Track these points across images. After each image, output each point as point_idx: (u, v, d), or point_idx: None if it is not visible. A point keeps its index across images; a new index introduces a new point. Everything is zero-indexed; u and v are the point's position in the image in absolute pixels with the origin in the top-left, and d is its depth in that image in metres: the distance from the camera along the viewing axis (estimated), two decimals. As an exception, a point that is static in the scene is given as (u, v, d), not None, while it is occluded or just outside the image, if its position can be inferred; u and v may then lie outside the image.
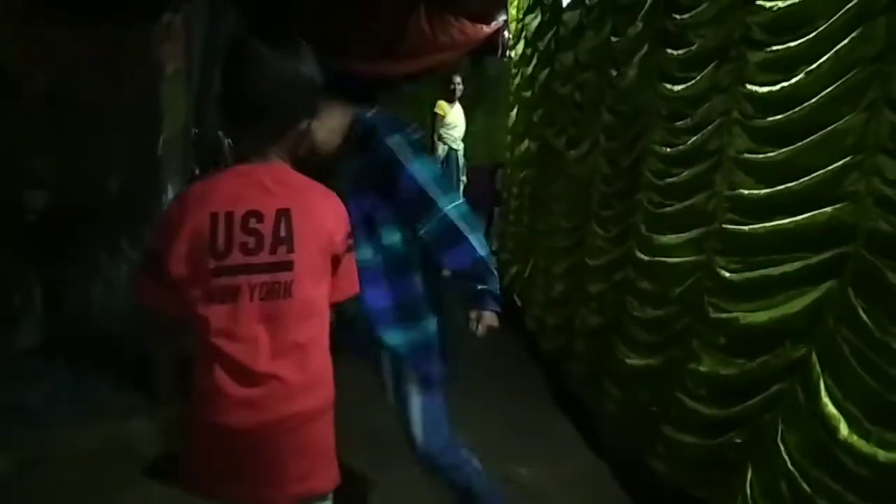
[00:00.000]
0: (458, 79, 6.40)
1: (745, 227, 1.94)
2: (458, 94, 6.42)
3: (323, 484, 1.41)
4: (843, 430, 1.54)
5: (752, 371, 1.91)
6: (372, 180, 1.87)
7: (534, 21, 4.28)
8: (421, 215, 1.84)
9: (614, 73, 2.90)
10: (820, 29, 1.69)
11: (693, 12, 2.26)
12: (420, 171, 1.84)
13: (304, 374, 1.33)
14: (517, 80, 4.77)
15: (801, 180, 1.73)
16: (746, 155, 1.96)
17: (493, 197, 6.03)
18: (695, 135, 2.24)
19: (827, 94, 1.66)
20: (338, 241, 1.37)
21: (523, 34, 4.59)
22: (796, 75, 1.76)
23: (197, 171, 3.77)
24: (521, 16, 4.70)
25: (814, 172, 1.70)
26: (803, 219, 1.73)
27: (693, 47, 2.28)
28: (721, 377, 2.02)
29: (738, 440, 1.96)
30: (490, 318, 1.90)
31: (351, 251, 1.43)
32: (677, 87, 2.36)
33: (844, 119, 1.62)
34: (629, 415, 2.63)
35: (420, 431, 1.95)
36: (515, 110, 4.85)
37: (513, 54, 5.09)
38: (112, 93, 3.40)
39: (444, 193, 1.85)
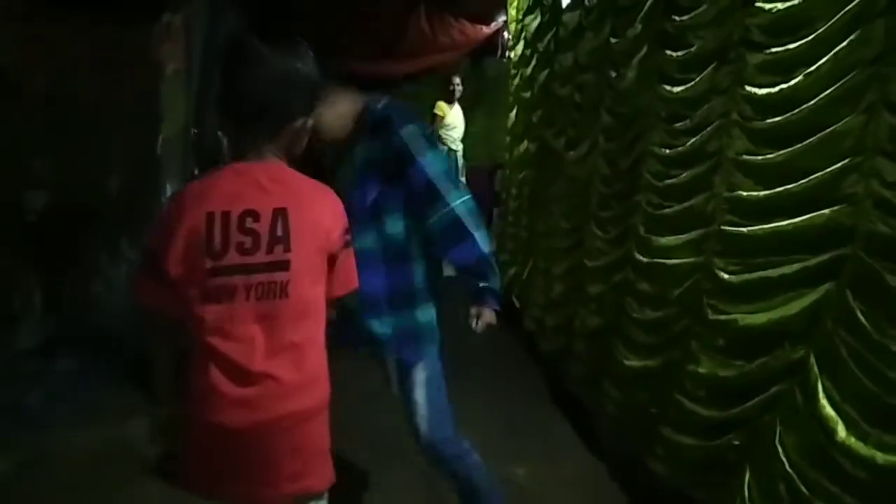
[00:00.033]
0: (457, 79, 6.38)
1: (744, 229, 1.94)
2: (458, 94, 6.41)
3: (318, 483, 1.41)
4: (842, 431, 1.54)
5: (750, 373, 1.91)
6: (382, 169, 1.87)
7: (533, 22, 4.27)
8: (429, 208, 1.85)
9: (614, 74, 2.90)
10: (819, 31, 1.69)
11: (692, 14, 2.26)
12: (432, 163, 1.84)
13: (300, 374, 1.33)
14: (516, 80, 4.76)
15: (800, 182, 1.73)
16: (745, 156, 1.96)
17: (493, 198, 6.02)
18: (694, 136, 2.24)
19: (826, 96, 1.66)
20: (335, 238, 1.37)
21: (523, 35, 4.58)
22: (795, 77, 1.76)
23: (196, 171, 3.77)
24: (520, 17, 4.70)
25: (812, 174, 1.70)
26: (802, 220, 1.73)
27: (692, 49, 2.28)
28: (720, 379, 2.02)
29: (737, 442, 1.96)
30: (490, 315, 1.91)
31: (349, 246, 1.42)
32: (676, 89, 2.36)
33: (843, 121, 1.62)
34: (628, 416, 2.63)
35: (425, 423, 1.95)
36: (515, 111, 4.84)
37: (512, 55, 5.09)
38: (112, 93, 3.40)
39: (454, 188, 1.86)
